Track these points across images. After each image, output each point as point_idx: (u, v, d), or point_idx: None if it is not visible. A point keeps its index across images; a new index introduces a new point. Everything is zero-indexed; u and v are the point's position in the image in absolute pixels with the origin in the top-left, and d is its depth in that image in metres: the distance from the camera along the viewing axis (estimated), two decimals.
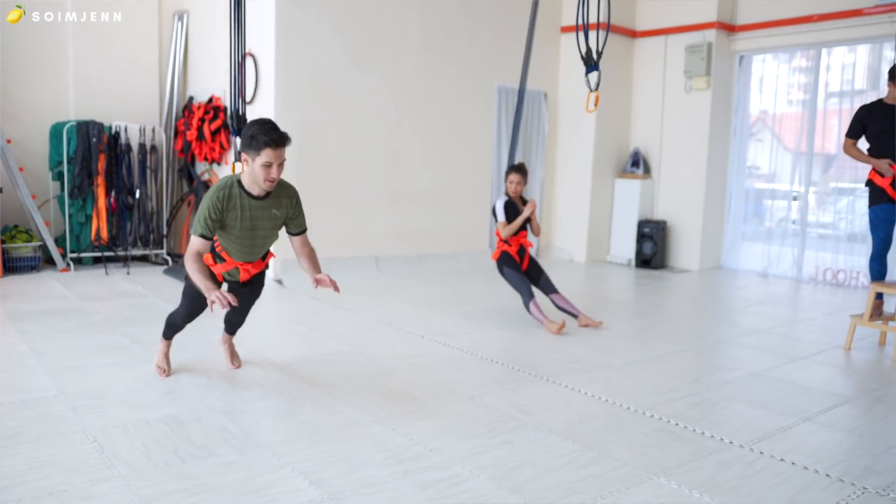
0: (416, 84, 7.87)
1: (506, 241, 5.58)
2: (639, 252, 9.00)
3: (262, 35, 6.84)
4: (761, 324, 5.95)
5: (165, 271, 7.16)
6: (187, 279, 3.62)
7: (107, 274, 6.95)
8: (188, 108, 7.88)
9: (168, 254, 7.69)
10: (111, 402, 3.53)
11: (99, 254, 7.20)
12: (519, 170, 5.62)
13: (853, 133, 5.25)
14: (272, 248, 3.82)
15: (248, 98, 6.92)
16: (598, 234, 9.28)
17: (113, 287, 6.43)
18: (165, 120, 8.01)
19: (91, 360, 4.21)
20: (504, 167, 8.90)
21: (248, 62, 7.00)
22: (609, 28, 5.91)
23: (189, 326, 4.06)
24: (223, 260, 3.64)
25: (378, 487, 2.71)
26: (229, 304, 3.09)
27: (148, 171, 7.45)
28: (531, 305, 5.39)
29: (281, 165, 3.31)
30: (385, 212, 7.76)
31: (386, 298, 6.41)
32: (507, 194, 5.64)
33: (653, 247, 8.88)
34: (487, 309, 6.25)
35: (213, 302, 3.07)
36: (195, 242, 3.37)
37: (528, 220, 5.56)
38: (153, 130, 7.54)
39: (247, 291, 3.83)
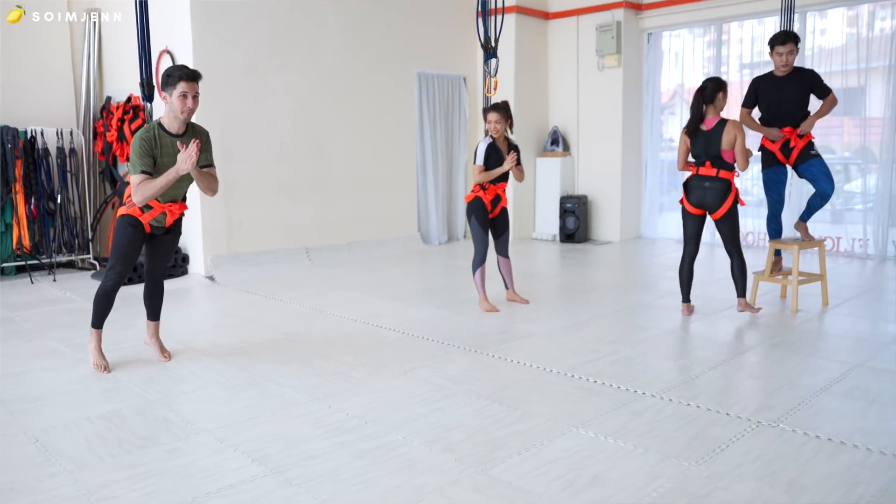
0: (336, 74, 7.96)
1: (482, 188, 5.35)
2: (562, 227, 9.35)
3: (179, 31, 6.82)
4: (676, 286, 6.34)
5: (93, 276, 7.09)
6: (115, 239, 3.89)
7: (32, 282, 6.84)
8: (106, 108, 7.76)
9: (95, 258, 7.59)
10: (50, 403, 3.58)
11: (22, 262, 7.07)
12: (497, 108, 5.25)
13: (748, 103, 5.64)
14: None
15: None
16: (522, 212, 9.58)
17: (40, 294, 6.35)
18: (83, 122, 7.87)
19: (25, 366, 4.22)
20: (428, 152, 9.10)
21: (166, 59, 6.96)
22: (504, 15, 6.11)
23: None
24: (150, 208, 3.86)
25: (318, 459, 2.89)
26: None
27: (69, 176, 7.32)
28: (478, 272, 5.44)
29: (195, 98, 3.74)
30: (312, 202, 7.85)
31: (318, 287, 6.54)
32: (490, 136, 5.34)
33: (575, 221, 9.24)
34: (418, 290, 6.46)
35: (188, 155, 3.53)
36: (138, 179, 3.67)
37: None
38: (71, 133, 7.41)
39: (168, 238, 4.08)
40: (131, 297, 5.33)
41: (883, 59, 7.64)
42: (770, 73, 5.58)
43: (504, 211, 5.52)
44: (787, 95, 5.43)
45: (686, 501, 2.52)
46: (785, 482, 2.65)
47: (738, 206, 4.99)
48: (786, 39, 5.36)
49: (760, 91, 5.56)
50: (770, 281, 5.62)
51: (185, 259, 7.07)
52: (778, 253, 5.71)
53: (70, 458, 2.91)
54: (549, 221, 9.56)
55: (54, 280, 6.94)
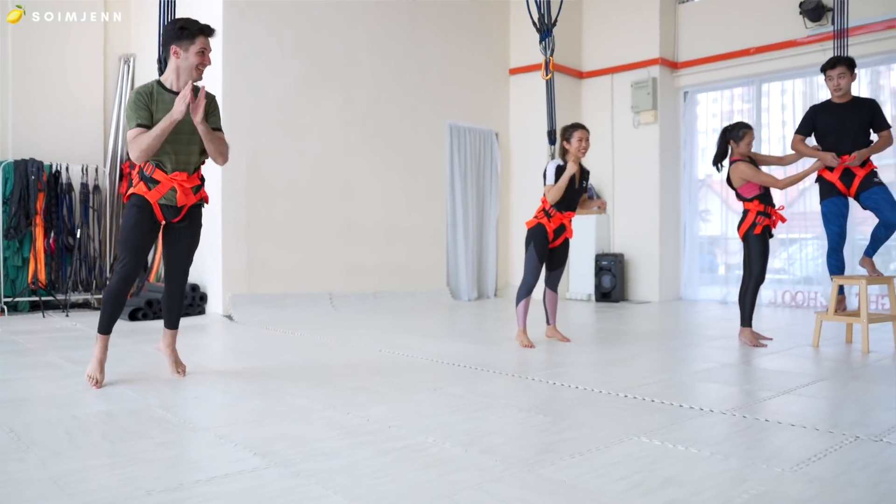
0: (367, 118, 7.83)
1: (547, 215, 4.93)
2: (598, 286, 8.90)
3: (209, 69, 6.72)
4: (726, 333, 5.83)
5: None
6: (122, 233, 3.50)
7: (43, 317, 6.53)
8: None
9: None
10: (34, 404, 3.18)
11: (36, 298, 6.79)
12: (584, 126, 4.95)
13: (803, 130, 5.32)
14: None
15: None
16: None
17: (49, 325, 6.02)
18: (110, 162, 7.76)
19: (15, 375, 3.84)
20: (458, 206, 8.83)
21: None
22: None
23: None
24: (156, 182, 3.46)
25: (332, 455, 2.43)
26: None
27: (91, 212, 7.14)
28: (522, 303, 4.98)
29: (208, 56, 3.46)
30: (338, 247, 7.56)
31: (342, 328, 6.13)
32: (560, 158, 4.99)
33: (612, 279, 8.80)
34: (449, 332, 6.03)
35: (191, 92, 3.22)
36: (133, 133, 3.32)
37: (581, 188, 4.96)
38: (96, 170, 7.28)
39: (186, 230, 3.64)
40: (144, 330, 4.97)
41: None
42: (828, 101, 5.27)
43: (566, 242, 5.11)
44: (846, 124, 5.09)
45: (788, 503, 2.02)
46: None
47: (765, 236, 5.00)
48: (835, 63, 5.09)
49: (818, 119, 5.24)
50: (835, 320, 5.10)
51: (203, 298, 6.74)
52: (841, 291, 5.22)
53: (44, 447, 2.49)
54: (583, 280, 9.13)
55: (67, 315, 6.62)
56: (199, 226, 3.74)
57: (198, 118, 3.29)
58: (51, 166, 6.98)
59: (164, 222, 3.58)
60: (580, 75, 9.52)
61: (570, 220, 5.06)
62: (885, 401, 3.33)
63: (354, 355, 4.63)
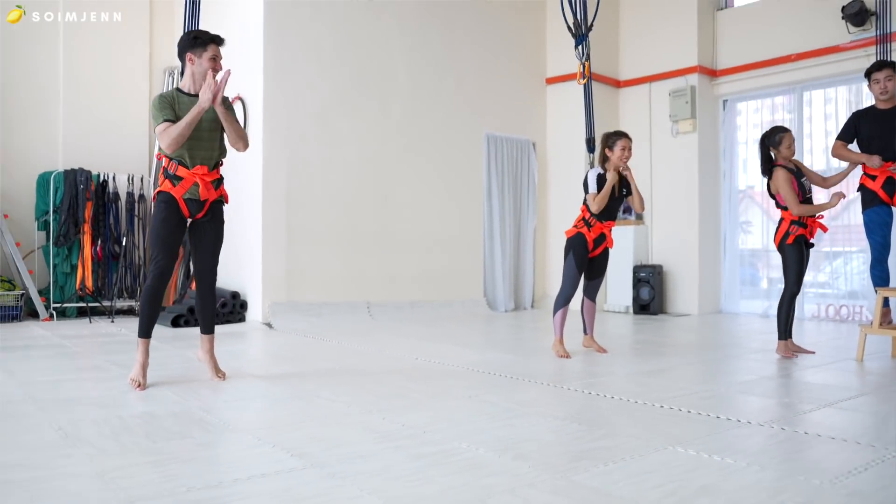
0: (404, 127, 7.91)
1: (587, 224, 4.92)
2: (636, 297, 8.82)
3: (251, 78, 6.90)
4: (766, 346, 5.73)
5: None
6: (152, 231, 3.72)
7: (90, 322, 6.72)
8: None
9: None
10: (82, 404, 3.28)
11: (83, 304, 6.99)
12: (627, 135, 4.95)
13: (845, 136, 5.23)
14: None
15: None
16: None
17: (96, 330, 6.20)
18: (155, 172, 7.97)
19: (65, 376, 3.97)
20: (496, 216, 8.85)
21: (237, 105, 7.03)
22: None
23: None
24: (180, 178, 3.65)
25: (367, 458, 2.47)
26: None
27: (136, 220, 7.35)
28: (560, 312, 4.95)
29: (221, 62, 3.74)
30: (376, 256, 7.63)
31: (379, 337, 6.19)
32: (600, 166, 4.99)
33: (650, 291, 8.71)
34: (485, 342, 6.04)
35: (213, 80, 3.52)
36: (162, 127, 3.55)
37: (624, 193, 4.95)
38: (142, 179, 7.49)
39: (210, 226, 3.80)
40: (185, 336, 5.09)
41: None
42: (872, 107, 5.18)
43: (606, 252, 5.08)
44: (890, 128, 4.99)
45: None
46: None
47: (799, 246, 4.90)
48: (882, 65, 5.01)
49: (860, 125, 5.15)
50: (880, 333, 4.98)
51: (244, 305, 6.87)
52: (886, 303, 5.10)
53: (91, 444, 2.58)
54: (621, 292, 9.04)
55: (112, 321, 6.81)
56: (222, 222, 3.89)
57: (217, 101, 3.54)
58: (98, 176, 7.20)
59: (189, 219, 3.73)
60: (618, 84, 9.48)
61: (611, 230, 5.03)
62: None
63: (390, 363, 4.67)
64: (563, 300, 4.97)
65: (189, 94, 3.70)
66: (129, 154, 7.87)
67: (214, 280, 3.90)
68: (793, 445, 2.71)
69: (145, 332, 3.70)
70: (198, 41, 3.68)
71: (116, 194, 7.21)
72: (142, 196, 7.43)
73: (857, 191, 5.23)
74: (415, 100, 8.01)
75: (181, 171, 3.64)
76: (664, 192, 9.04)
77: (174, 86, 8.15)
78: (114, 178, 7.24)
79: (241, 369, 4.29)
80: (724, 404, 3.46)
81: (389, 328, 6.76)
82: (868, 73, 5.10)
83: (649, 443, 2.71)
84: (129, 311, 7.49)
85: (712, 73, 8.87)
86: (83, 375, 4.00)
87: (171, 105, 3.62)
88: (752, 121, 9.08)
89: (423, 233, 8.10)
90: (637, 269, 8.85)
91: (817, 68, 7.98)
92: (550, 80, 9.40)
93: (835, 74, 7.91)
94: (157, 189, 3.70)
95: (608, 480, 2.26)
